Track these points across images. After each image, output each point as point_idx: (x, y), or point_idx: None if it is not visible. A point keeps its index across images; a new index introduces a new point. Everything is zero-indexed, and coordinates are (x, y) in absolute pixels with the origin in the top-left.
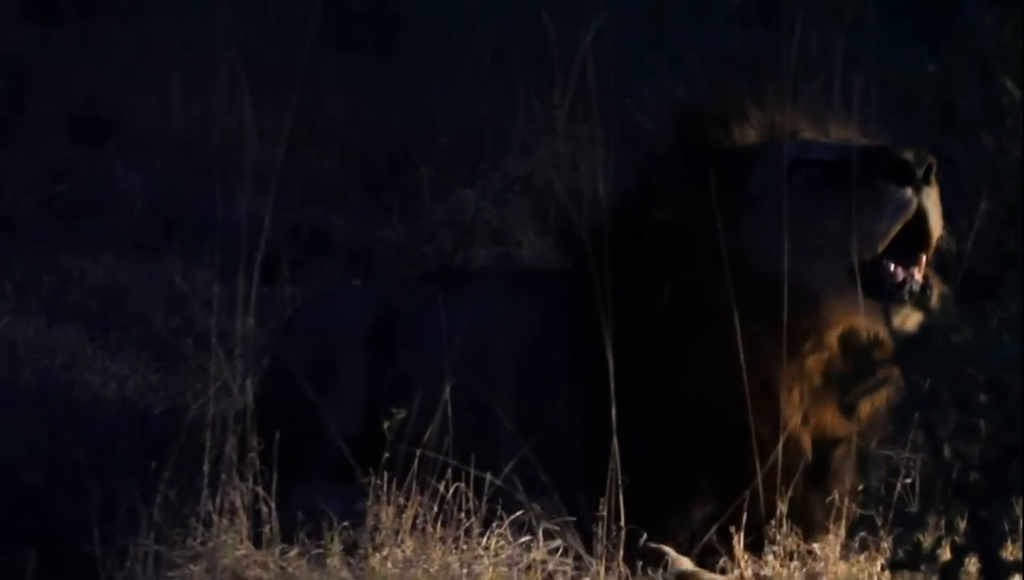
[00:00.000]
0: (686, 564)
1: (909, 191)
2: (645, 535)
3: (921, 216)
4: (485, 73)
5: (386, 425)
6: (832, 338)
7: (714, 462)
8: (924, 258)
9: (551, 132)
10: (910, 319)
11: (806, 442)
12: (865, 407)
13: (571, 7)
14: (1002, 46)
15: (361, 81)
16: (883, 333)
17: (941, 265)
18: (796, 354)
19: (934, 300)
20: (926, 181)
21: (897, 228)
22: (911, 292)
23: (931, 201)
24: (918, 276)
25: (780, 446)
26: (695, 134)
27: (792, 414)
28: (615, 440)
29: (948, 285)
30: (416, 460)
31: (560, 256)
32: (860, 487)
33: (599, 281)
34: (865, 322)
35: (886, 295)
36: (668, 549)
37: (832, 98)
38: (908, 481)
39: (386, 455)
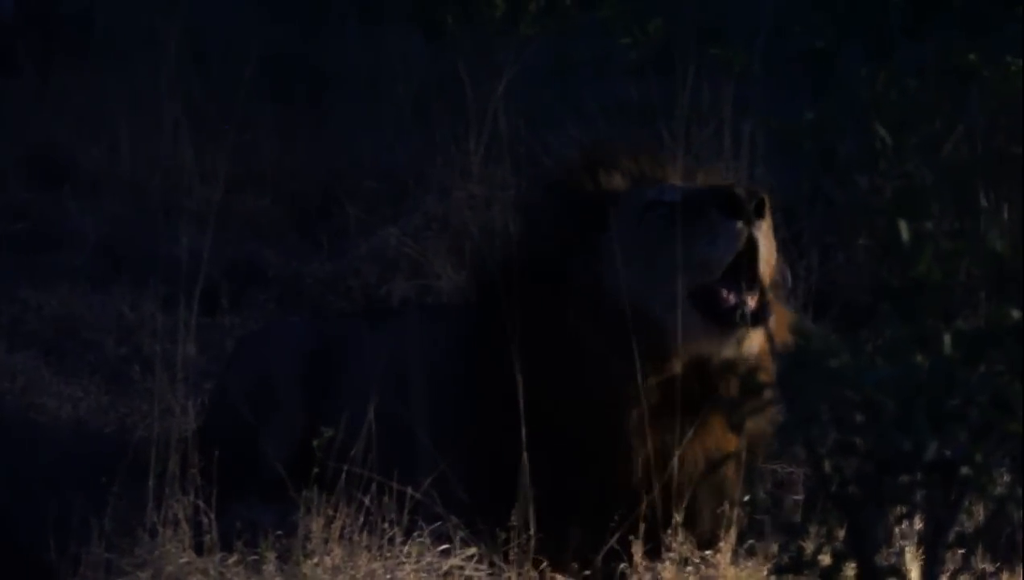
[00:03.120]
0: None
1: (740, 223)
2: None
3: (752, 246)
4: (406, 121)
5: (316, 443)
6: (675, 363)
7: (607, 476)
8: (757, 286)
9: (467, 175)
10: (746, 341)
11: (699, 459)
12: (752, 426)
13: (484, 61)
14: (876, 96)
15: (293, 128)
16: (721, 355)
17: (821, 297)
18: (644, 375)
19: (771, 323)
20: (757, 215)
21: (730, 258)
22: (742, 315)
23: (762, 233)
24: (751, 302)
25: (675, 460)
26: (566, 180)
27: (636, 431)
28: (525, 456)
29: (827, 315)
30: (343, 475)
31: (467, 291)
32: (748, 498)
33: (500, 311)
34: (707, 345)
35: (719, 318)
36: None
37: (722, 143)
38: (796, 498)
39: (316, 471)
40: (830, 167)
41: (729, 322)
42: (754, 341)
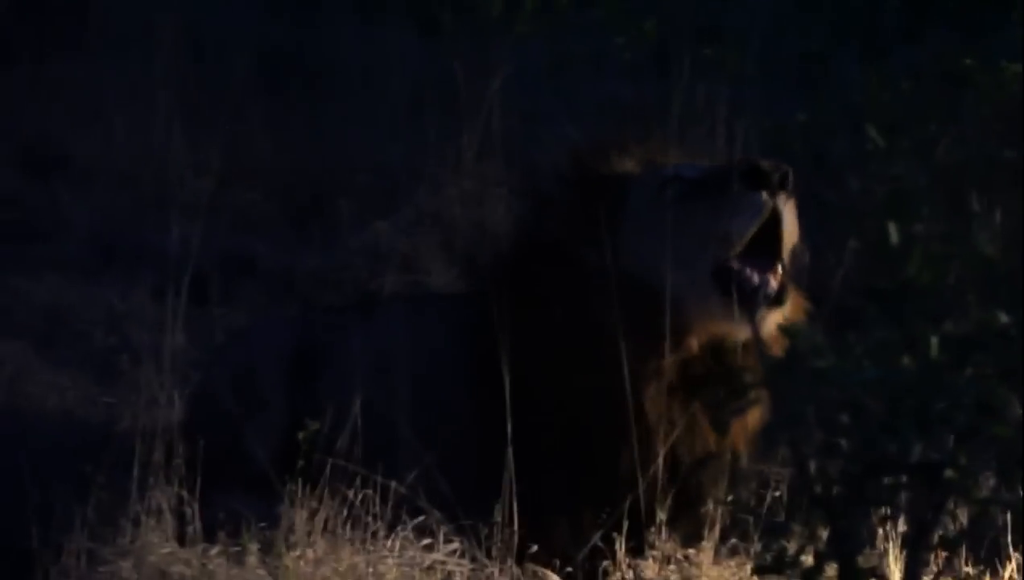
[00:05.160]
0: None
1: (764, 194)
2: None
3: (776, 219)
4: (400, 117)
5: (301, 436)
6: (693, 342)
7: (598, 472)
8: (779, 265)
9: (459, 171)
10: (766, 321)
11: (684, 457)
12: (737, 425)
13: (479, 58)
14: (867, 98)
15: (287, 122)
16: (743, 335)
17: (812, 299)
18: (662, 354)
19: (787, 304)
20: (781, 187)
21: (753, 229)
22: (766, 296)
23: (786, 207)
24: (773, 282)
25: (660, 459)
26: (579, 164)
27: (651, 411)
28: (510, 450)
29: (817, 316)
30: (328, 469)
31: (463, 282)
32: (731, 498)
33: (496, 302)
34: (726, 325)
35: (743, 298)
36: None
37: (716, 143)
38: (776, 493)
39: (300, 463)
40: (822, 168)
41: (752, 301)
42: (772, 322)
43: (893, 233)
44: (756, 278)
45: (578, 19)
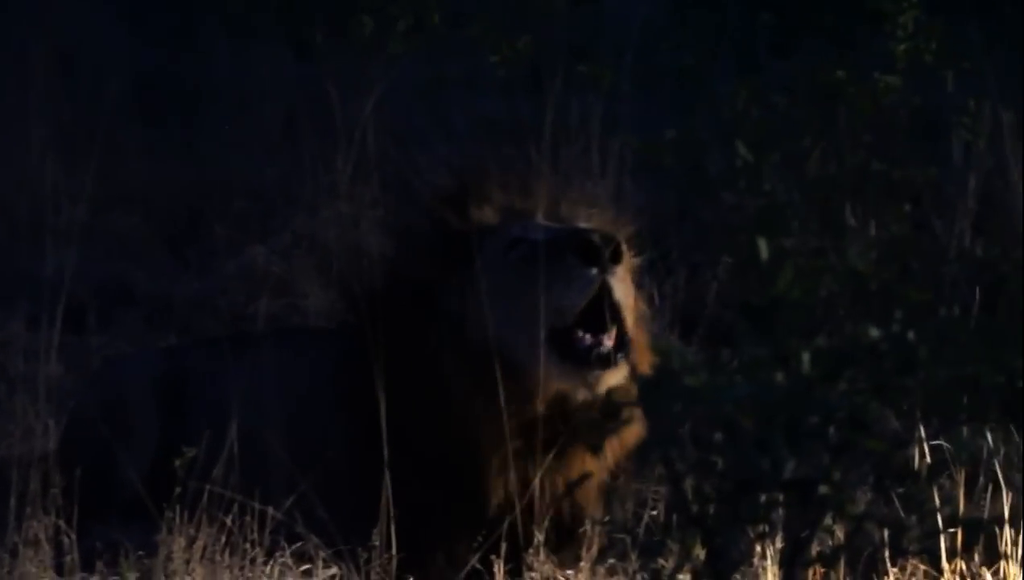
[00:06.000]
0: None
1: (595, 270)
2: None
3: (607, 291)
4: (275, 140)
5: (178, 462)
6: (537, 403)
7: (467, 502)
8: (614, 327)
9: (335, 194)
10: (604, 381)
11: (559, 484)
12: (613, 446)
13: (353, 79)
14: (737, 114)
15: (162, 147)
16: (580, 394)
17: (688, 315)
18: (507, 415)
19: (634, 356)
20: (613, 261)
21: (583, 302)
22: (599, 356)
23: (617, 278)
24: (608, 342)
25: (536, 483)
26: (437, 212)
27: (497, 469)
28: (387, 476)
29: (693, 334)
30: (205, 495)
31: (339, 307)
32: (607, 517)
33: (367, 334)
34: (565, 386)
35: (576, 359)
36: None
37: (591, 160)
38: (653, 512)
39: (178, 490)
40: (696, 185)
41: (585, 362)
42: (612, 380)
43: (763, 248)
44: (589, 340)
45: (451, 38)
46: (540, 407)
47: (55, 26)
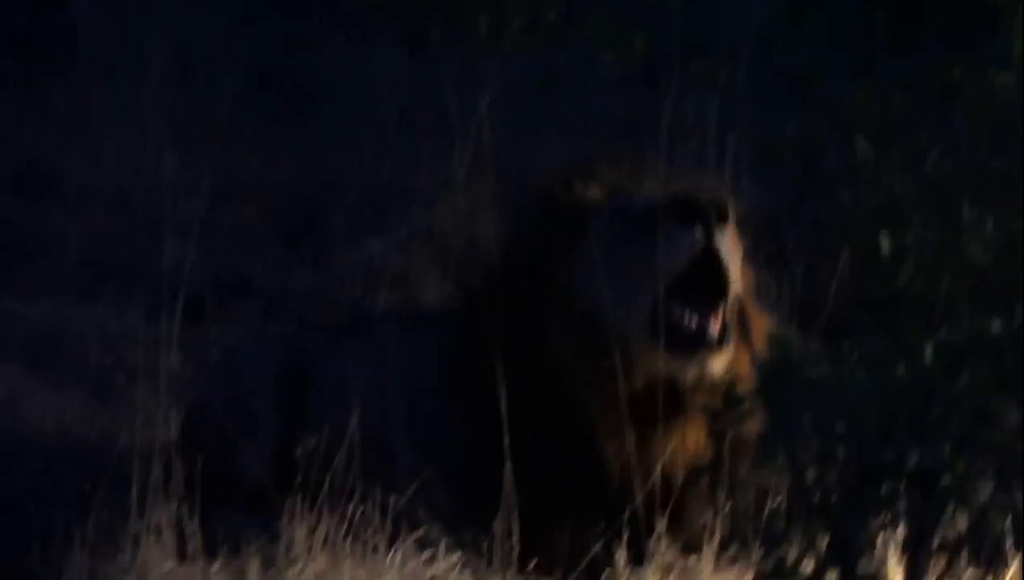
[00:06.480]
0: None
1: (698, 230)
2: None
3: (713, 255)
4: (391, 135)
5: (298, 452)
6: (641, 378)
7: (585, 486)
8: (720, 305)
9: (451, 188)
10: (709, 365)
11: (679, 468)
12: (735, 434)
13: (468, 75)
14: (857, 110)
15: (278, 141)
16: (685, 378)
17: (806, 310)
18: (614, 389)
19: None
20: (720, 219)
21: (686, 262)
22: (706, 342)
23: (724, 241)
24: (714, 325)
25: (658, 470)
26: (546, 190)
27: (607, 444)
28: (508, 464)
29: (812, 328)
30: (327, 484)
31: (456, 299)
32: (731, 506)
33: (484, 318)
34: (667, 368)
35: (681, 345)
36: None
37: (706, 157)
38: (776, 502)
39: (299, 479)
40: (813, 181)
41: (691, 350)
42: (718, 363)
43: (885, 243)
44: (694, 325)
45: (567, 35)
46: (643, 383)
47: (172, 24)
